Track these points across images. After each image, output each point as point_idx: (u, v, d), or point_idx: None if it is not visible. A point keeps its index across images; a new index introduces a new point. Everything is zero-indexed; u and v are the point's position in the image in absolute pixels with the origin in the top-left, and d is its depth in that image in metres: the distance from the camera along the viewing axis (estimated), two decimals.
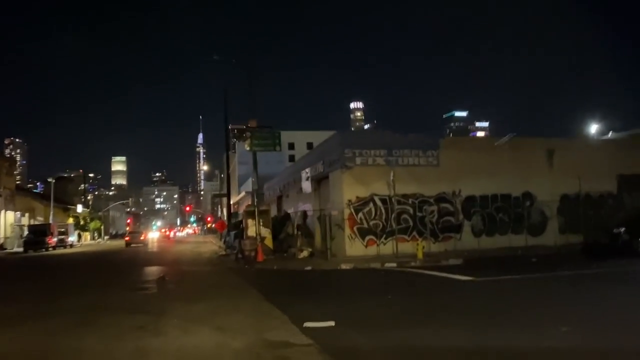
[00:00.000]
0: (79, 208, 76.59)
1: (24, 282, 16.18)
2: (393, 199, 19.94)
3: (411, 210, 20.45)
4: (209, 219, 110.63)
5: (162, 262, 23.81)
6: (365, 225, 19.84)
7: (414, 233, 20.39)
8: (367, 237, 19.79)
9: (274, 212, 32.03)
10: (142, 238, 53.43)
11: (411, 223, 20.42)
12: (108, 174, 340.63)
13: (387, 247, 19.74)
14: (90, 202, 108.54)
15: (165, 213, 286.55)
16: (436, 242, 20.35)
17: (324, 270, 16.19)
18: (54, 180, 59.14)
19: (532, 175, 22.56)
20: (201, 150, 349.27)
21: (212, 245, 44.39)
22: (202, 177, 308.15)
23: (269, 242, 20.81)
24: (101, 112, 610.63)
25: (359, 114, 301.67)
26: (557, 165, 23.13)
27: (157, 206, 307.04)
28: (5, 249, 47.74)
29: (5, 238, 50.80)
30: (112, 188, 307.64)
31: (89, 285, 13.67)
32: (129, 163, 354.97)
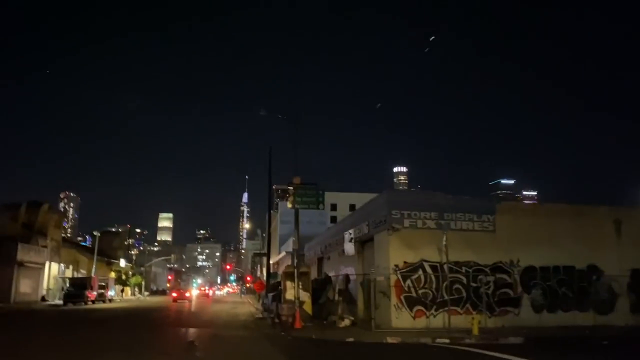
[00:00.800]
0: (122, 262, 77.12)
1: (40, 337, 15.34)
2: (445, 267, 18.33)
3: (464, 280, 18.71)
4: (248, 278, 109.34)
5: (195, 323, 22.66)
6: (414, 294, 18.19)
7: (467, 305, 18.54)
8: (416, 308, 18.08)
9: (314, 274, 30.63)
10: (187, 295, 62.62)
11: (464, 294, 18.61)
12: (154, 229, 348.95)
13: (438, 319, 17.92)
14: (134, 257, 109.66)
15: (207, 271, 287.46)
16: (492, 316, 18.35)
17: (367, 344, 14.57)
18: (99, 234, 59.99)
19: (598, 246, 20.49)
20: (245, 209, 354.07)
21: (249, 306, 42.95)
22: (245, 236, 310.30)
23: (307, 307, 19.39)
24: (150, 169, 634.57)
25: (402, 177, 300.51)
26: (625, 236, 21.00)
27: (199, 263, 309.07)
28: (47, 300, 47.89)
29: (48, 290, 51.15)
30: (156, 244, 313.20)
31: (111, 347, 12.64)
32: (175, 220, 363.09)
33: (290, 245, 60.05)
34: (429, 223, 18.82)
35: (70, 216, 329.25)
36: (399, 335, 15.80)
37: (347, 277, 21.08)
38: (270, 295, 28.23)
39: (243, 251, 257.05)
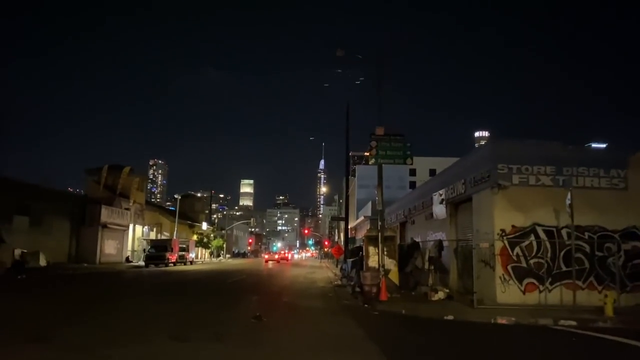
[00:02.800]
0: (204, 225, 78.66)
1: (104, 302, 14.08)
2: (563, 231, 15.04)
3: (587, 248, 15.27)
4: (325, 243, 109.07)
5: (270, 289, 21.00)
6: (524, 265, 15.08)
7: (591, 279, 15.17)
8: (526, 280, 14.98)
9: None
10: (276, 257, 74.21)
11: (587, 265, 15.21)
12: (237, 195, 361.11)
13: (553, 295, 14.77)
14: (215, 221, 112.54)
15: (286, 235, 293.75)
16: (623, 292, 14.85)
17: (472, 324, 11.86)
18: (179, 197, 60.78)
19: None
20: (322, 176, 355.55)
21: (327, 271, 41.34)
22: (322, 202, 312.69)
23: (394, 276, 16.88)
24: (233, 138, 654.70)
25: (483, 143, 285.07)
26: None
27: (279, 228, 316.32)
28: (131, 262, 49.19)
29: (133, 251, 52.60)
30: (236, 208, 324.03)
31: (161, 320, 10.96)
32: (255, 186, 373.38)
33: (369, 209, 57.56)
34: (543, 179, 15.43)
35: (159, 182, 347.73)
36: (509, 313, 12.90)
37: (440, 243, 18.24)
38: (349, 261, 26.04)
39: (320, 216, 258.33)
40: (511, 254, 15.08)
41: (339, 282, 25.46)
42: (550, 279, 14.92)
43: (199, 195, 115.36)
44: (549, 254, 15.06)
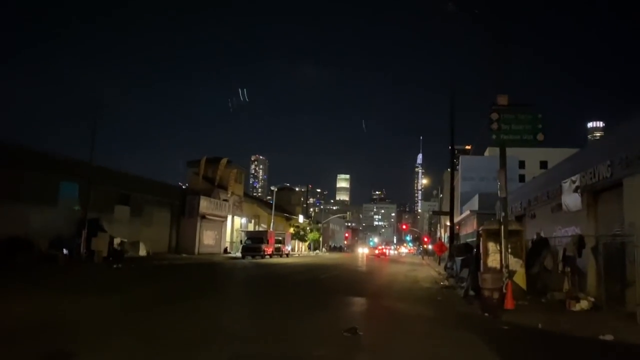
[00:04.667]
0: (301, 218, 78.35)
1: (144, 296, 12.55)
2: None
3: None
4: (425, 239, 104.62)
5: (368, 288, 18.64)
6: None
7: None
8: None
9: None
10: (376, 253, 77.20)
11: None
12: (333, 190, 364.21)
13: None
14: (312, 214, 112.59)
15: (383, 230, 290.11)
16: None
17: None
18: (276, 189, 60.45)
19: None
20: (420, 171, 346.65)
21: (429, 269, 38.15)
22: (420, 197, 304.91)
23: (520, 279, 13.71)
24: (330, 134, 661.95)
25: (598, 134, 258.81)
26: None
27: (375, 223, 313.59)
28: (229, 252, 49.39)
29: (231, 242, 52.92)
30: (332, 201, 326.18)
31: (245, 314, 8.96)
32: (352, 181, 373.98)
33: (475, 203, 52.93)
34: None
35: (260, 177, 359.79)
36: None
37: (581, 239, 14.66)
38: (458, 259, 22.92)
39: (419, 211, 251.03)
40: None
41: (446, 283, 22.50)
42: None
43: (296, 189, 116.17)
44: None
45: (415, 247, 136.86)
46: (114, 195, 34.22)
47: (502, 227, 13.60)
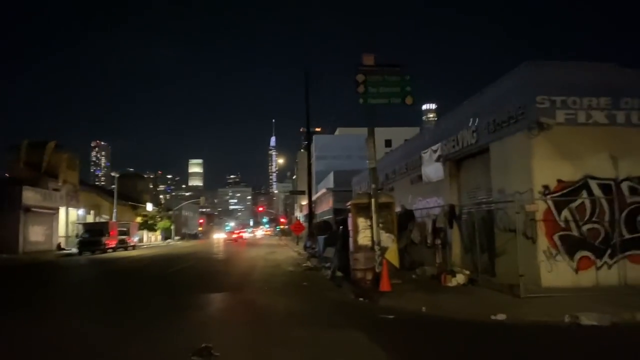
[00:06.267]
0: (149, 207, 72.06)
1: None
2: (624, 185, 11.11)
3: None
4: (282, 220, 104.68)
5: (225, 279, 16.23)
6: (575, 233, 11.05)
7: None
8: (579, 254, 10.97)
9: None
10: (234, 237, 73.98)
11: None
12: (185, 176, 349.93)
13: (612, 273, 10.89)
14: (162, 202, 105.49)
15: (239, 214, 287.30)
16: None
17: (544, 328, 7.63)
18: (117, 175, 54.26)
19: None
20: (273, 153, 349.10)
21: (288, 250, 36.89)
22: (275, 180, 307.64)
23: (393, 256, 12.45)
24: (180, 116, 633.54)
25: (432, 115, 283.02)
26: None
27: (231, 207, 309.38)
28: (64, 249, 42.90)
29: (67, 237, 46.20)
30: (184, 187, 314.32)
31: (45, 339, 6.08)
32: (205, 166, 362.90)
33: (330, 181, 53.08)
34: (596, 115, 11.28)
35: (103, 165, 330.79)
36: (576, 302, 8.82)
37: (452, 209, 13.92)
38: (321, 238, 21.59)
39: (276, 192, 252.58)
40: (558, 219, 10.99)
41: (309, 264, 21.06)
42: (609, 251, 10.98)
43: (144, 176, 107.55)
44: (606, 217, 11.09)
45: (272, 229, 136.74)
46: None
47: (373, 200, 12.17)
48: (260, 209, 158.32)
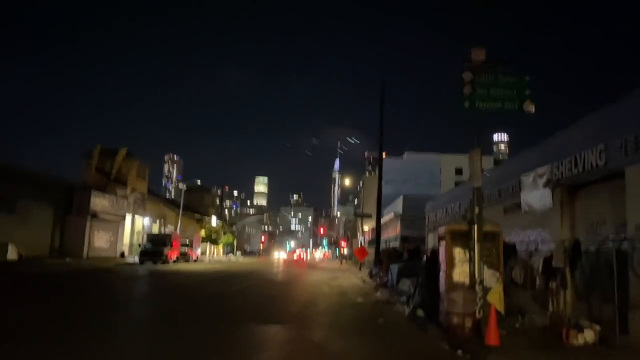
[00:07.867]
0: (214, 220, 72.32)
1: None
2: None
3: None
4: (343, 243, 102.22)
5: (288, 308, 14.24)
6: None
7: None
8: None
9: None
10: (295, 258, 78.41)
11: None
12: (251, 194, 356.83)
13: None
14: (227, 216, 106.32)
15: (300, 235, 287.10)
16: None
17: None
18: (185, 187, 54.41)
19: None
20: (337, 176, 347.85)
21: (351, 276, 34.50)
22: (337, 201, 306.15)
23: (496, 299, 9.95)
24: (250, 137, 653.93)
25: (503, 147, 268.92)
26: None
27: (292, 227, 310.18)
28: (127, 257, 42.92)
29: (131, 245, 46.40)
30: (248, 204, 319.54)
31: None
32: (270, 184, 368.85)
33: (399, 205, 50.10)
34: None
35: (174, 178, 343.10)
36: None
37: (576, 245, 11.23)
38: (395, 267, 19.24)
39: (338, 214, 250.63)
40: None
41: (379, 295, 18.75)
42: None
43: (211, 190, 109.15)
44: None
45: (330, 251, 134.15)
46: None
47: (476, 227, 9.81)
48: (322, 230, 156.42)
